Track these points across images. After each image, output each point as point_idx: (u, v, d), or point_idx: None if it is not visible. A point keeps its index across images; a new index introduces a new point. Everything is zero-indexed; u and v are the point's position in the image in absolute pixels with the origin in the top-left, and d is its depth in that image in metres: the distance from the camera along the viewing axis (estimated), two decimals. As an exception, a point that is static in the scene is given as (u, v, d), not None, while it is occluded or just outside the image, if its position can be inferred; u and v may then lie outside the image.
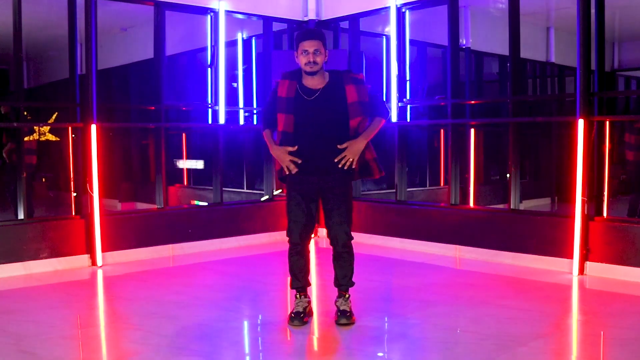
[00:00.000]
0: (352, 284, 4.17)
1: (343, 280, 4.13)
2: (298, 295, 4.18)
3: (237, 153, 9.30)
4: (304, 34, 4.04)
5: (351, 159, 3.97)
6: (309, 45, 3.95)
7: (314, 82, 4.03)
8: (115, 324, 4.45)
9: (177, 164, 10.10)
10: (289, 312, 4.20)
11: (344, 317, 4.08)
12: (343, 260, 4.12)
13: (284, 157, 4.01)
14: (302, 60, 3.98)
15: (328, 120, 3.99)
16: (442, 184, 9.35)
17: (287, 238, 4.12)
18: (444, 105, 6.80)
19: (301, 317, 4.09)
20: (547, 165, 10.11)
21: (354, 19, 7.45)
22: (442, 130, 8.98)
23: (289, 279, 4.21)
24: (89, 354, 3.63)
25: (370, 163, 4.09)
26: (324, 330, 4.18)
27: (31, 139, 7.76)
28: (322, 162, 4.00)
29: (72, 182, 6.36)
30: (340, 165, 3.97)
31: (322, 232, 7.61)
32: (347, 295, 4.17)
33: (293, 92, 4.02)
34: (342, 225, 4.05)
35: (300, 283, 4.15)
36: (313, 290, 5.26)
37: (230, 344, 3.91)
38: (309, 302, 4.22)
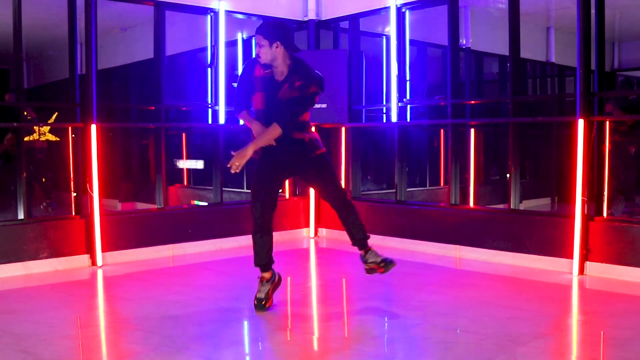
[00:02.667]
0: (368, 236, 4.49)
1: (358, 231, 4.46)
2: (260, 280, 4.43)
3: (237, 153, 9.27)
4: (259, 27, 4.25)
5: (237, 163, 4.13)
6: (259, 38, 4.18)
7: (275, 73, 4.24)
8: (115, 324, 4.45)
9: (177, 164, 10.10)
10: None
11: (390, 263, 4.40)
12: (346, 214, 4.41)
13: (260, 142, 4.21)
14: (257, 51, 4.22)
15: (280, 106, 4.20)
16: (442, 184, 9.35)
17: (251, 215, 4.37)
18: (444, 105, 6.80)
19: (263, 304, 4.36)
20: (547, 165, 10.10)
21: (354, 19, 7.45)
22: (442, 130, 8.97)
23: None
24: (89, 354, 3.63)
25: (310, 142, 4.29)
26: (324, 330, 4.18)
27: (31, 138, 7.76)
28: (282, 141, 4.20)
29: (72, 182, 6.36)
30: (232, 171, 4.15)
31: (322, 232, 7.61)
32: (371, 249, 4.45)
33: (267, 77, 4.25)
34: (334, 193, 4.40)
35: (258, 259, 4.37)
36: (313, 291, 5.26)
37: (230, 344, 3.91)
38: (271, 285, 4.42)
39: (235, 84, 7.64)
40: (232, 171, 4.13)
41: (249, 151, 4.16)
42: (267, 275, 4.43)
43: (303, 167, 4.37)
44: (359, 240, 4.45)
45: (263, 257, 4.37)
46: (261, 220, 4.31)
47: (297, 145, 4.25)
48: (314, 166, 4.35)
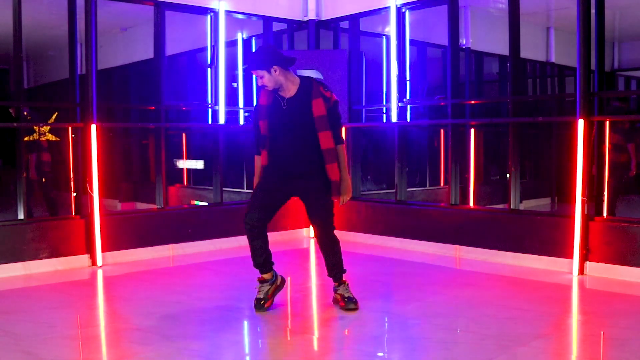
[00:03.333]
0: (344, 270, 4.47)
1: (333, 266, 4.43)
2: (259, 280, 4.44)
3: (237, 153, 9.30)
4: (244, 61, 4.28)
5: (348, 198, 4.30)
6: (254, 73, 4.23)
7: (284, 92, 4.25)
8: (115, 324, 4.45)
9: (177, 164, 10.10)
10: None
11: (352, 303, 4.35)
12: (327, 246, 4.40)
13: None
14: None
15: (294, 128, 4.24)
16: (442, 184, 9.36)
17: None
18: (444, 105, 6.80)
19: (262, 304, 4.38)
20: (547, 165, 10.11)
21: (354, 19, 7.45)
22: (442, 130, 8.98)
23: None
24: (89, 354, 3.63)
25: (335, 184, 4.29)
26: (324, 330, 4.18)
27: (31, 139, 7.75)
28: (292, 167, 4.27)
29: (72, 182, 6.35)
30: (340, 205, 4.31)
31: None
32: (345, 283, 4.45)
33: (271, 100, 4.28)
34: (322, 224, 4.35)
35: (257, 262, 4.39)
36: (313, 291, 5.26)
37: (230, 344, 3.91)
38: (271, 286, 4.43)
39: (235, 84, 7.69)
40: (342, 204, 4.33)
41: (349, 182, 4.31)
42: (266, 276, 4.43)
43: (302, 194, 4.38)
44: (335, 275, 4.46)
45: (260, 258, 4.39)
46: (251, 224, 4.36)
47: (305, 180, 4.29)
48: (314, 199, 4.34)
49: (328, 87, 4.32)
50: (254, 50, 4.39)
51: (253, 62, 4.21)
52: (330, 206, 4.35)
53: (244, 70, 4.35)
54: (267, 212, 4.37)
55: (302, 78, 4.31)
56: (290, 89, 4.24)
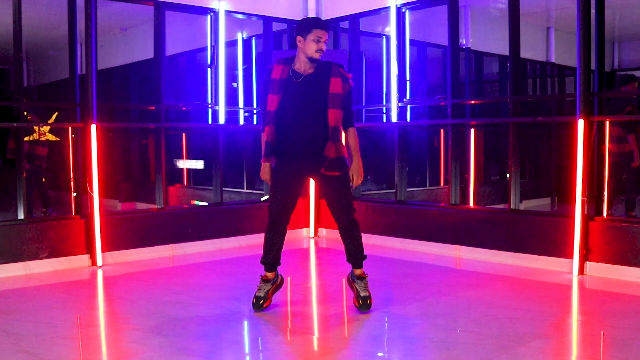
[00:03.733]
0: (365, 257, 4.39)
1: (354, 251, 4.35)
2: (262, 279, 4.41)
3: (237, 153, 9.30)
4: (320, 22, 4.23)
5: (360, 180, 4.28)
6: (324, 34, 4.16)
7: (305, 67, 4.22)
8: (115, 324, 4.45)
9: (177, 164, 10.11)
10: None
11: (365, 306, 4.30)
12: (349, 233, 4.33)
13: (265, 177, 4.34)
14: (312, 46, 4.15)
15: (308, 104, 4.18)
16: (442, 184, 9.36)
17: (267, 214, 4.34)
18: (444, 105, 6.80)
19: (261, 303, 4.35)
20: (547, 165, 10.11)
21: (354, 19, 7.45)
22: (442, 130, 8.98)
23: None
24: (89, 354, 3.63)
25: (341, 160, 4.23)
26: (324, 330, 4.18)
27: (31, 138, 7.76)
28: (303, 144, 4.20)
29: (72, 182, 6.36)
30: (354, 186, 4.29)
31: (322, 232, 7.61)
32: (365, 278, 4.37)
33: (286, 74, 4.21)
34: (343, 210, 4.28)
35: (265, 259, 4.36)
36: (313, 291, 5.26)
37: (230, 344, 3.91)
38: (272, 286, 4.42)
39: (235, 84, 7.69)
40: (355, 186, 4.31)
41: (361, 165, 4.29)
42: (270, 275, 4.43)
43: (317, 175, 4.30)
44: (354, 262, 4.39)
45: (271, 256, 4.37)
46: (277, 220, 4.30)
47: (316, 159, 4.20)
48: (327, 179, 4.27)
49: (346, 68, 4.31)
50: (309, 17, 4.36)
51: (326, 24, 4.23)
52: (347, 183, 4.27)
53: (307, 27, 4.28)
54: (290, 206, 4.32)
55: (320, 62, 4.27)
56: (309, 66, 4.21)
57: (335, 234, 4.45)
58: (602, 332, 3.69)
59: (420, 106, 8.68)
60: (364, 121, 7.72)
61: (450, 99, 6.58)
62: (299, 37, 4.17)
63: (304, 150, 4.22)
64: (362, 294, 4.34)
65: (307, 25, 4.18)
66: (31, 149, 7.76)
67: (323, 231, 7.59)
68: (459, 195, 6.65)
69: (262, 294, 4.39)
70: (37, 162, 7.92)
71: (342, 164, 4.22)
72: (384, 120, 7.96)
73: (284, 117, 4.20)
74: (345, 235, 4.36)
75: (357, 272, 4.41)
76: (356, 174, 4.26)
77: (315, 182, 4.39)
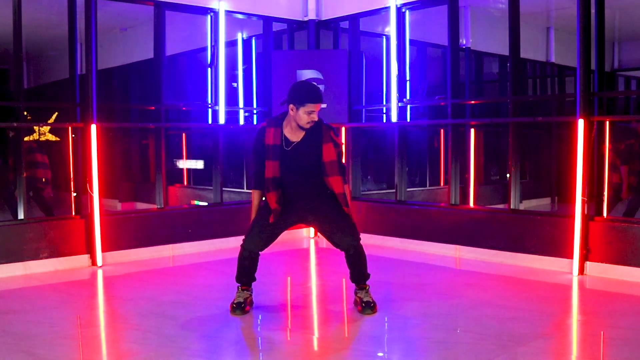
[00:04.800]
0: (368, 276, 4.47)
1: (359, 275, 4.43)
2: (240, 289, 4.45)
3: (237, 153, 9.30)
4: (315, 95, 4.16)
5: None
6: (317, 107, 4.16)
7: (296, 133, 4.24)
8: (115, 324, 4.45)
9: (177, 164, 10.11)
10: (230, 303, 4.44)
11: (369, 308, 4.35)
12: (355, 260, 4.42)
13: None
14: (304, 117, 4.16)
15: (302, 170, 4.25)
16: (442, 184, 9.36)
17: (242, 242, 4.39)
18: (444, 105, 6.80)
19: (242, 307, 4.38)
20: (547, 165, 10.11)
21: (354, 19, 7.45)
22: (442, 130, 8.98)
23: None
24: (89, 354, 3.63)
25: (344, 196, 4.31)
26: (324, 330, 4.18)
27: (31, 137, 7.75)
28: (299, 204, 4.30)
29: (72, 182, 6.36)
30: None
31: (322, 232, 7.61)
32: (366, 288, 4.44)
33: (279, 139, 4.24)
34: (347, 237, 4.35)
35: (245, 279, 4.44)
36: (313, 291, 5.26)
37: (230, 344, 3.91)
38: (250, 294, 4.48)
39: (235, 84, 7.68)
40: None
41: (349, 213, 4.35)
42: (247, 287, 4.49)
43: (313, 211, 4.35)
44: (358, 282, 4.46)
45: (245, 277, 4.43)
46: (254, 253, 4.38)
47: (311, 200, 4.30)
48: (326, 208, 4.32)
49: (336, 130, 4.35)
50: (303, 84, 4.29)
51: (320, 96, 4.20)
52: (349, 215, 4.34)
53: (302, 99, 4.25)
54: (268, 241, 4.38)
55: None
56: (300, 132, 4.23)
57: (361, 244, 4.46)
58: (602, 332, 3.69)
59: (420, 106, 8.68)
60: (364, 121, 7.72)
61: (450, 99, 6.58)
62: (291, 106, 4.16)
63: (301, 207, 4.31)
64: (364, 300, 4.40)
65: (302, 97, 4.13)
66: (32, 157, 7.60)
67: (323, 231, 7.57)
68: (459, 195, 6.65)
69: (242, 300, 4.41)
70: (33, 168, 7.74)
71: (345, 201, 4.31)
72: (384, 120, 7.95)
73: (285, 180, 4.28)
74: (351, 262, 4.43)
75: (359, 287, 4.49)
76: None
77: (314, 223, 4.42)
